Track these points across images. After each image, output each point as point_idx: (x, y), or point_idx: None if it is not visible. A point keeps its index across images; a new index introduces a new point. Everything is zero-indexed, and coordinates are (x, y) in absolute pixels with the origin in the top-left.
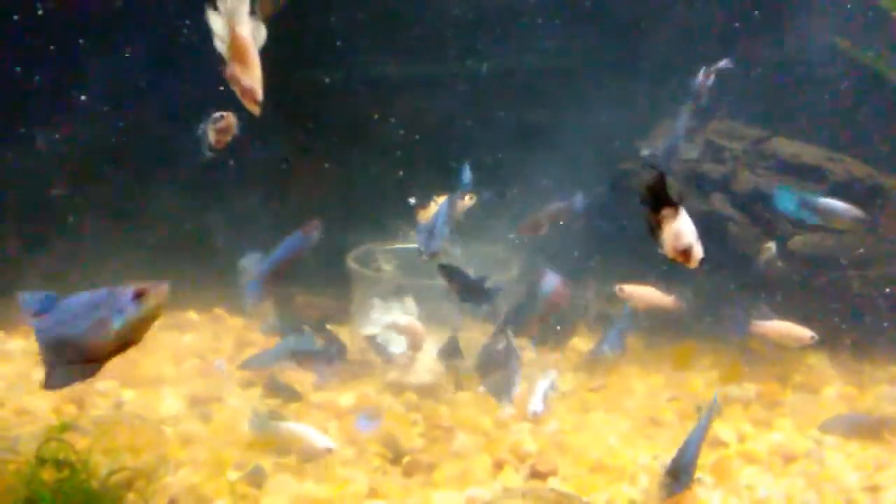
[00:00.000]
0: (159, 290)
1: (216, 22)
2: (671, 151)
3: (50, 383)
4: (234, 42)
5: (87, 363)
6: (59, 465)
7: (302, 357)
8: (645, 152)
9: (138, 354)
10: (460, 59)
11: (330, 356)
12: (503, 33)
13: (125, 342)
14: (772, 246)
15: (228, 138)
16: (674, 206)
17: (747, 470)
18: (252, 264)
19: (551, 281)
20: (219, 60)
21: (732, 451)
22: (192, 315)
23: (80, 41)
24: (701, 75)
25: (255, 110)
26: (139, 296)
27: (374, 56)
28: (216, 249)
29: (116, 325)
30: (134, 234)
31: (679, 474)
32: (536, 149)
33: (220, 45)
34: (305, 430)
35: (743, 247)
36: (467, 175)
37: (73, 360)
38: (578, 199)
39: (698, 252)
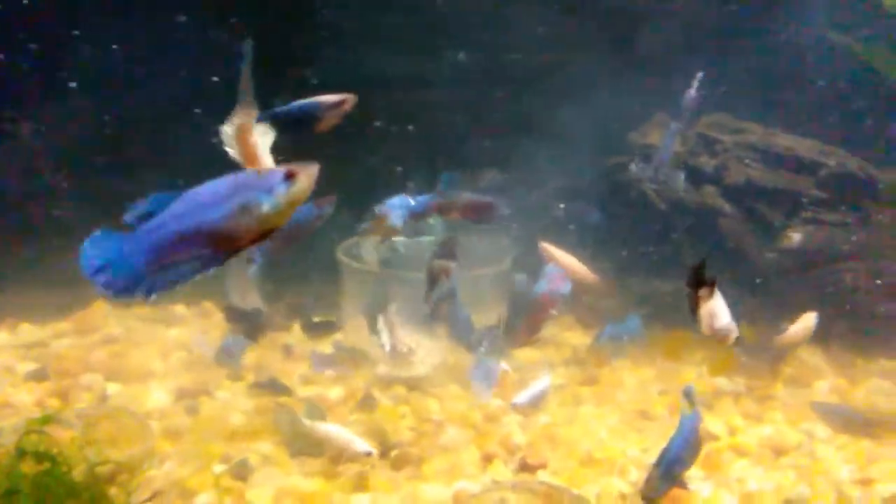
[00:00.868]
0: (310, 171)
1: (227, 133)
2: (658, 172)
3: (157, 284)
4: (246, 150)
5: (214, 255)
6: (39, 457)
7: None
8: (633, 168)
9: (125, 348)
10: (454, 52)
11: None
12: (496, 25)
13: (266, 229)
14: (793, 235)
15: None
16: (709, 286)
17: (738, 463)
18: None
19: (546, 280)
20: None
21: (723, 444)
22: (180, 309)
23: (70, 30)
24: (690, 94)
25: None
26: (290, 177)
27: (367, 52)
28: None
29: (264, 207)
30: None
31: (665, 472)
32: (532, 141)
33: (233, 152)
34: (343, 432)
35: (735, 239)
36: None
37: (195, 254)
38: (505, 201)
39: (733, 331)
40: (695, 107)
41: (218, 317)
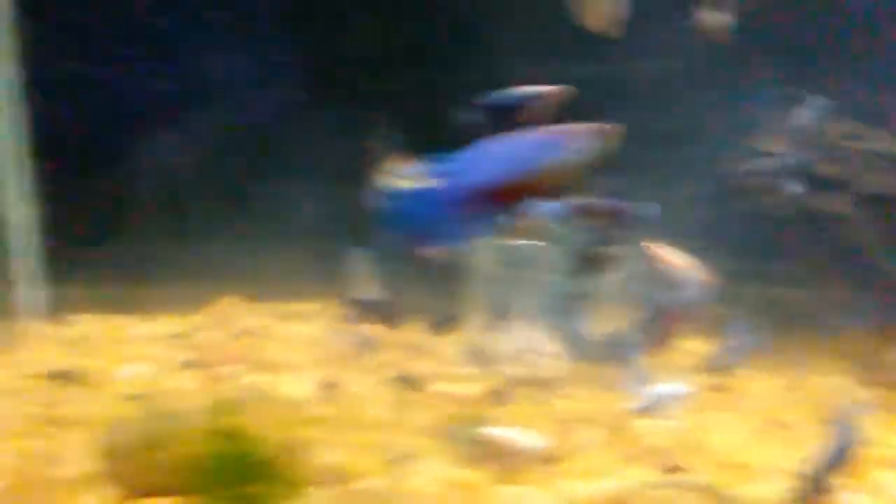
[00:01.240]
0: (611, 129)
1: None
2: (779, 179)
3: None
4: None
5: (516, 205)
6: (230, 436)
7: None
8: (755, 175)
9: (260, 340)
10: (584, 61)
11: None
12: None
13: (562, 181)
14: None
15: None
16: None
17: (884, 473)
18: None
19: (683, 288)
20: None
21: (867, 455)
22: (301, 305)
23: (200, 39)
24: (810, 106)
25: None
26: (588, 133)
27: (501, 59)
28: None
29: (565, 160)
30: (258, 225)
31: (817, 479)
32: (658, 148)
33: None
34: (511, 432)
35: (860, 247)
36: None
37: (496, 206)
38: (649, 208)
39: None
40: (815, 118)
41: (337, 311)
